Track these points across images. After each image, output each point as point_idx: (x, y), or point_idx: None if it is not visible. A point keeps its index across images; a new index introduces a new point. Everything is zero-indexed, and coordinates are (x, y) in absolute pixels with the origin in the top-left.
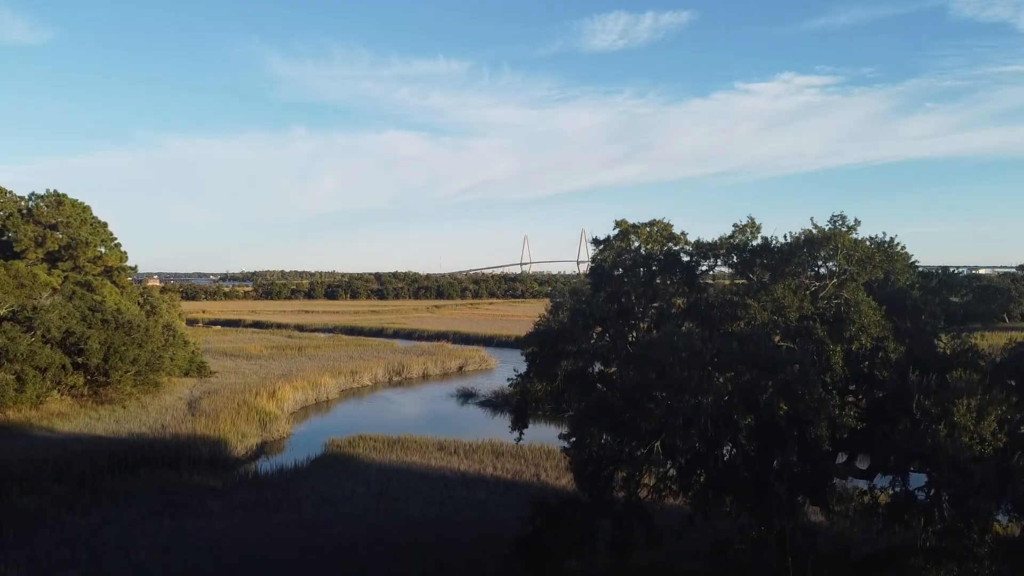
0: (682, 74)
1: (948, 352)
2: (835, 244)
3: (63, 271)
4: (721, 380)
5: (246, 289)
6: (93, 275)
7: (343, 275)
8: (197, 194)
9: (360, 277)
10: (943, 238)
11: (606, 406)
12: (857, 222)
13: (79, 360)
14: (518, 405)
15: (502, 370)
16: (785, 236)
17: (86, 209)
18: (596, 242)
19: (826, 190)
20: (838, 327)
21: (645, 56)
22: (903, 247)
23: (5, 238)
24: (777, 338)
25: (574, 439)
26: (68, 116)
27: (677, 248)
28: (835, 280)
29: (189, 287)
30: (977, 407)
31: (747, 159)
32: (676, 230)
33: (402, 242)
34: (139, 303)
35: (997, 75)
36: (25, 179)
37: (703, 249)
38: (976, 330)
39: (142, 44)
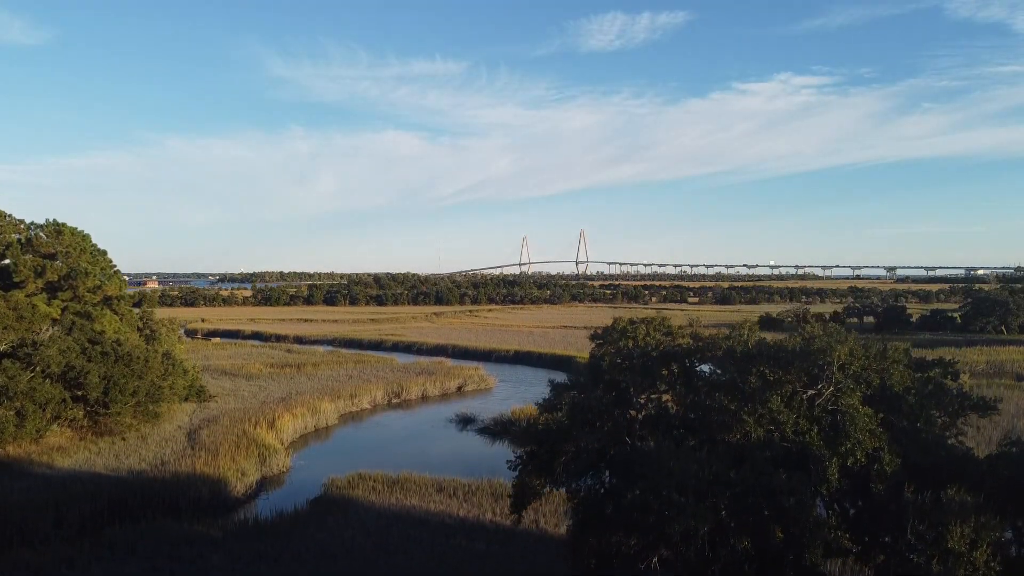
0: (679, 74)
1: (943, 458)
2: (830, 357)
3: (63, 300)
4: (717, 502)
5: (245, 294)
6: (92, 304)
7: (342, 276)
8: (196, 194)
9: (359, 281)
10: (940, 237)
11: (603, 520)
12: (850, 334)
13: (79, 393)
14: (516, 494)
15: (501, 390)
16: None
17: (85, 238)
18: (595, 337)
19: (824, 190)
20: (834, 436)
21: (642, 56)
22: (897, 350)
23: (4, 263)
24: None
25: (575, 548)
26: (66, 116)
27: (676, 347)
28: (831, 388)
29: (188, 292)
30: (972, 531)
31: (745, 159)
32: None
33: (401, 242)
34: (139, 327)
35: (993, 75)
36: (23, 179)
37: (699, 342)
38: (975, 344)
39: (140, 45)
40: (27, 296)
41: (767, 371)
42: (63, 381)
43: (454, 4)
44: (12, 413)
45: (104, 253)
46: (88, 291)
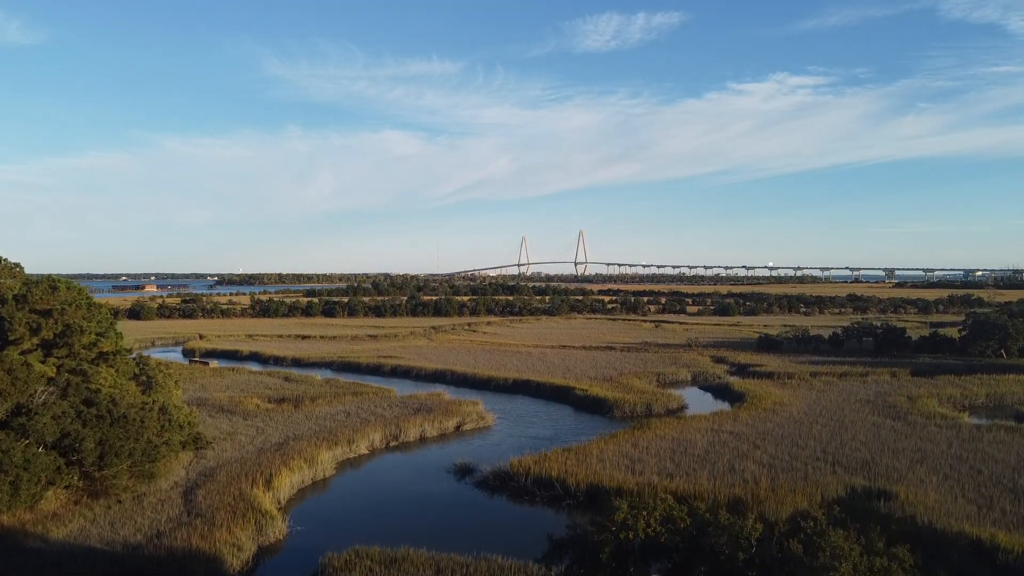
0: (675, 74)
1: None
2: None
3: (58, 358)
4: None
5: (244, 302)
6: (88, 361)
7: (340, 278)
8: (194, 194)
9: (358, 288)
10: (938, 237)
11: None
12: (852, 546)
13: (74, 458)
14: None
15: (499, 427)
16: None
17: (81, 292)
18: (594, 523)
19: (821, 190)
20: None
21: (638, 57)
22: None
23: None
24: None
25: None
26: (64, 116)
27: (676, 533)
28: None
29: (186, 302)
30: None
31: (742, 159)
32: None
33: (400, 243)
34: (135, 373)
35: (988, 75)
36: (21, 178)
37: (702, 520)
38: (975, 372)
39: (137, 45)
40: (21, 354)
41: None
42: (58, 448)
43: (450, 5)
44: (7, 484)
45: (100, 307)
46: (83, 348)
